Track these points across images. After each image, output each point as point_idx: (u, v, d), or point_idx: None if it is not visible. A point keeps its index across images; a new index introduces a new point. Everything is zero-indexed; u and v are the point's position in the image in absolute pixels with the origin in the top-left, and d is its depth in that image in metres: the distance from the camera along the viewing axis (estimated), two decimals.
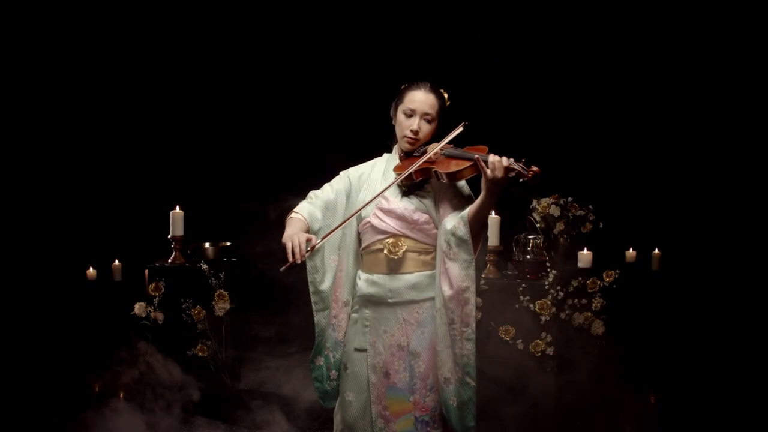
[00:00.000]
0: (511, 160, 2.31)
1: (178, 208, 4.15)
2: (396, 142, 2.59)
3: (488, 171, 2.29)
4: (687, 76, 5.24)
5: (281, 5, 5.54)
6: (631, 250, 4.85)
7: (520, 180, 2.31)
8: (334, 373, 2.57)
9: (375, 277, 2.49)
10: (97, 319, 4.90)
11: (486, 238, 2.46)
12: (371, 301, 2.50)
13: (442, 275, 2.39)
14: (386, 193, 2.48)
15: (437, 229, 2.46)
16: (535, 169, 2.30)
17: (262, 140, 5.60)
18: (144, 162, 5.60)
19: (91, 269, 4.88)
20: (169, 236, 4.19)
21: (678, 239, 5.21)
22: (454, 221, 2.38)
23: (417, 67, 5.41)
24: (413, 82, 2.55)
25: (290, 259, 2.30)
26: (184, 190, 4.88)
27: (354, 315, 2.55)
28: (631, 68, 5.32)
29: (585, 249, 4.16)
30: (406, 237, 2.47)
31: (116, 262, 4.85)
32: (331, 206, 2.54)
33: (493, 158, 2.30)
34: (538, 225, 4.07)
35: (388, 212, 2.47)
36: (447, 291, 2.37)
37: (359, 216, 2.51)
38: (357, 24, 5.48)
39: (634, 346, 4.52)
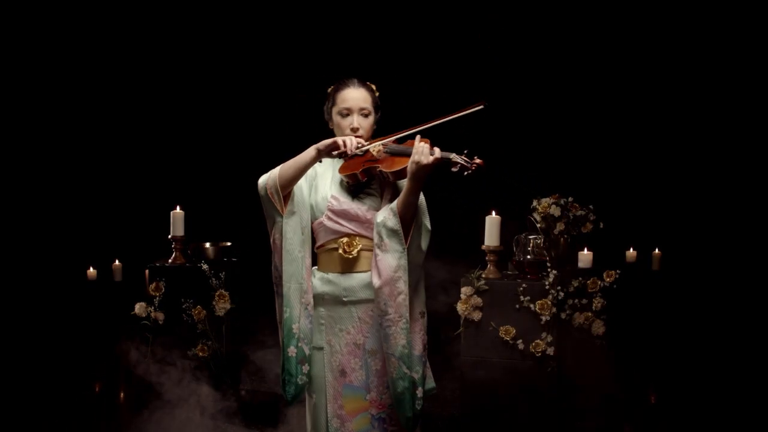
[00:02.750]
0: (454, 154, 2.32)
1: (178, 208, 4.15)
2: None
3: (414, 157, 2.29)
4: (687, 76, 5.24)
5: (281, 6, 5.53)
6: (631, 250, 4.84)
7: (465, 173, 2.31)
8: (306, 367, 2.48)
9: (330, 275, 2.50)
10: (97, 320, 4.90)
11: (429, 231, 2.43)
12: (326, 300, 2.50)
13: (373, 267, 2.38)
14: (336, 194, 2.49)
15: None
16: (478, 161, 2.30)
17: (262, 140, 5.59)
18: (144, 162, 5.60)
19: (91, 269, 4.88)
20: (169, 236, 4.19)
21: (678, 239, 5.20)
22: (384, 213, 2.38)
23: (418, 67, 5.42)
24: (340, 82, 2.55)
25: (342, 148, 2.34)
26: (184, 190, 4.88)
27: (312, 313, 2.53)
28: (632, 68, 5.32)
29: (585, 249, 4.16)
30: (361, 236, 2.48)
31: (116, 262, 4.85)
32: (298, 190, 2.51)
33: (419, 143, 2.31)
34: (538, 225, 4.07)
35: (340, 213, 2.48)
36: (377, 282, 2.35)
37: (313, 215, 2.52)
38: (357, 23, 5.47)
39: (635, 346, 4.52)
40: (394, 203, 2.37)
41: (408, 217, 2.35)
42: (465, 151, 2.33)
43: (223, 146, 5.62)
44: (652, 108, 5.35)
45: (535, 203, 4.14)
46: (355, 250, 2.46)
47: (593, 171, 5.26)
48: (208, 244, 4.29)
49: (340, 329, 2.49)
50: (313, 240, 2.56)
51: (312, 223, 2.54)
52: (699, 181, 5.28)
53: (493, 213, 3.79)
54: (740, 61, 5.11)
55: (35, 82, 5.40)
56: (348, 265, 2.48)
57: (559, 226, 4.08)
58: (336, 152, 2.36)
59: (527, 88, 5.39)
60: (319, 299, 2.52)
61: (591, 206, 4.15)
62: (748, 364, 4.56)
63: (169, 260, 4.18)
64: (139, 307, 4.07)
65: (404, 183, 2.39)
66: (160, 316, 4.08)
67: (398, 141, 2.49)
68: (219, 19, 5.56)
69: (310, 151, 2.41)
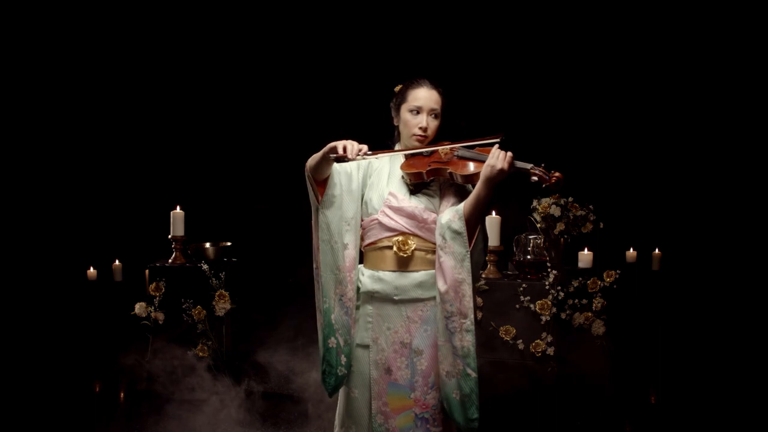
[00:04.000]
0: (531, 165, 2.35)
1: (178, 208, 4.15)
2: (397, 140, 2.60)
3: (491, 161, 2.31)
4: (687, 77, 5.24)
5: (282, 6, 5.53)
6: (631, 250, 4.85)
7: (543, 185, 2.34)
8: (344, 358, 2.50)
9: (381, 273, 2.49)
10: (97, 320, 4.90)
11: (486, 237, 2.47)
12: (376, 298, 2.50)
13: (438, 269, 2.41)
14: (395, 191, 2.49)
15: None
16: (557, 174, 2.33)
17: (262, 140, 5.60)
18: (144, 162, 5.60)
19: (91, 269, 4.88)
20: (169, 236, 4.19)
21: (678, 239, 5.21)
22: (449, 215, 2.40)
23: (417, 66, 5.40)
24: (413, 80, 2.55)
25: (340, 152, 2.29)
26: (184, 190, 4.88)
27: (355, 311, 2.54)
28: (632, 69, 5.32)
29: (585, 249, 4.16)
30: (415, 235, 2.48)
31: (116, 262, 4.85)
32: (347, 176, 2.49)
33: (496, 149, 2.33)
34: (538, 225, 4.07)
35: (398, 210, 2.47)
36: (442, 285, 2.39)
37: (365, 211, 2.52)
38: (358, 23, 5.47)
39: (635, 346, 4.52)
40: (461, 206, 2.38)
41: (473, 221, 2.38)
42: (542, 165, 2.35)
43: (223, 146, 5.62)
44: (651, 108, 5.35)
45: (535, 203, 4.15)
46: (410, 250, 2.46)
47: (593, 171, 5.26)
48: (208, 244, 4.29)
49: (387, 327, 2.49)
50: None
51: (362, 219, 2.53)
52: (699, 181, 5.28)
53: (493, 213, 3.80)
54: (740, 61, 5.11)
55: (36, 83, 5.40)
56: (402, 264, 2.48)
57: (559, 226, 4.08)
58: (333, 156, 2.32)
59: (527, 88, 5.40)
60: (368, 297, 2.51)
61: (591, 206, 4.15)
62: (748, 363, 4.56)
63: (169, 260, 4.18)
64: (139, 307, 4.08)
65: (468, 187, 2.45)
66: (160, 316, 4.08)
67: (408, 156, 2.50)
68: (219, 20, 5.56)
69: (324, 149, 2.37)
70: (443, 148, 2.46)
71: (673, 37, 5.22)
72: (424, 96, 2.49)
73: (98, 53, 5.51)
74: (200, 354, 4.06)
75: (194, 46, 5.57)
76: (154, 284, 4.09)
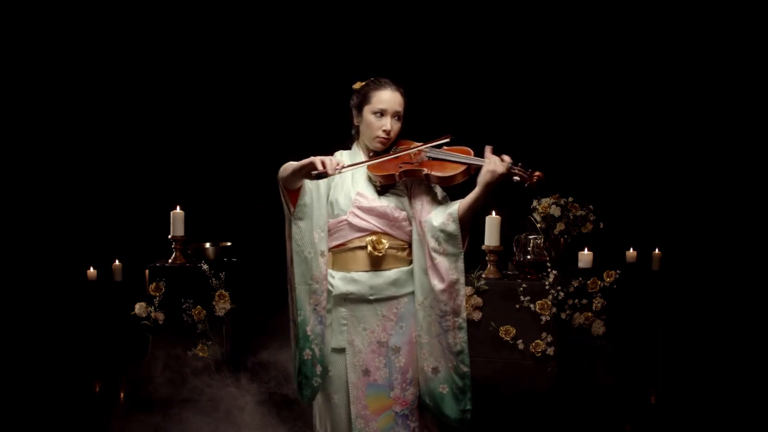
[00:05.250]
0: (511, 161, 2.36)
1: (178, 208, 4.15)
2: (356, 138, 2.59)
3: (490, 167, 2.32)
4: (687, 77, 5.24)
5: (282, 7, 5.53)
6: (631, 250, 4.84)
7: (525, 185, 2.34)
8: (319, 368, 2.48)
9: (354, 275, 2.48)
10: (97, 320, 4.90)
11: (473, 233, 2.50)
12: (350, 300, 2.49)
13: (431, 270, 2.44)
14: (362, 191, 2.49)
15: (411, 225, 2.50)
16: (537, 174, 2.33)
17: (262, 140, 5.60)
18: (144, 162, 5.59)
19: (91, 269, 4.88)
20: (169, 236, 4.19)
21: (678, 239, 5.20)
22: (441, 218, 2.42)
23: (418, 65, 5.41)
24: (376, 81, 2.53)
25: (320, 168, 2.24)
26: (184, 190, 4.88)
27: (327, 315, 2.50)
28: (632, 69, 5.31)
29: (585, 249, 4.16)
30: (387, 234, 2.49)
31: (116, 262, 4.85)
32: (314, 188, 2.47)
33: (491, 155, 2.35)
34: (538, 225, 4.07)
35: (369, 211, 2.47)
36: (438, 285, 2.42)
37: (331, 213, 2.49)
38: (359, 23, 5.47)
39: (635, 346, 4.52)
40: (454, 209, 2.41)
41: (467, 223, 2.42)
42: (519, 164, 2.36)
43: (223, 146, 5.62)
44: (651, 108, 5.35)
45: (535, 203, 4.15)
46: (384, 248, 2.46)
47: (593, 171, 5.26)
48: (208, 244, 4.29)
49: (363, 328, 2.49)
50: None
51: (330, 221, 2.50)
52: (699, 182, 5.28)
53: (493, 213, 3.79)
54: (740, 61, 5.11)
55: (35, 83, 5.40)
56: (375, 264, 2.48)
57: (559, 226, 4.08)
58: (315, 173, 2.24)
59: (527, 88, 5.39)
60: (341, 299, 2.50)
61: (591, 206, 4.15)
62: (748, 363, 4.56)
63: (169, 260, 4.18)
64: (139, 307, 4.07)
65: (437, 188, 2.50)
66: (160, 316, 4.08)
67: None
68: (219, 20, 5.56)
69: (302, 162, 2.30)
70: (412, 150, 2.47)
71: (673, 37, 5.21)
72: (389, 98, 2.48)
73: (98, 53, 5.51)
74: (200, 354, 4.06)
75: (194, 46, 5.57)
76: (154, 284, 4.09)
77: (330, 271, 2.51)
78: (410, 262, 2.52)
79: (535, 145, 5.22)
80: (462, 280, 2.43)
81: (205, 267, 4.10)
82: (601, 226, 4.14)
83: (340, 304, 2.51)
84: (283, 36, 5.60)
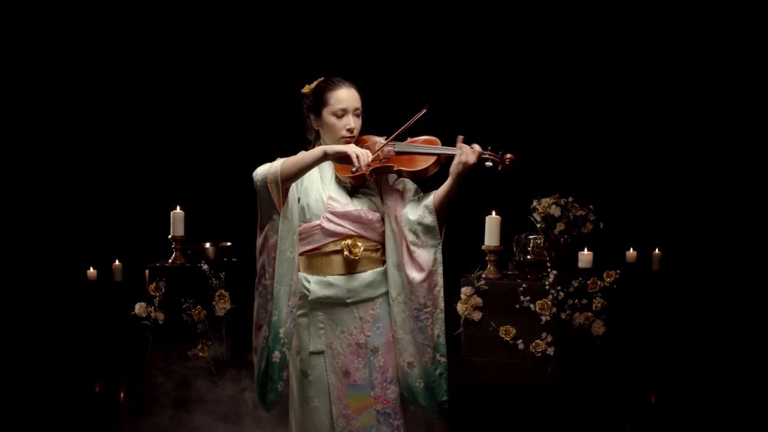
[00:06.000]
0: (481, 149, 2.35)
1: (178, 208, 4.15)
2: (315, 144, 2.57)
3: (462, 157, 2.31)
4: (687, 77, 5.24)
5: (281, 7, 5.53)
6: (631, 250, 4.84)
7: (499, 168, 2.32)
8: (286, 373, 2.50)
9: (330, 278, 2.48)
10: (97, 320, 4.90)
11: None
12: (326, 303, 2.50)
13: (409, 263, 2.44)
14: (334, 195, 2.48)
15: (384, 225, 2.51)
16: (509, 156, 2.31)
17: (262, 140, 5.59)
18: (144, 162, 5.60)
19: (91, 269, 4.88)
20: (169, 236, 4.18)
21: (678, 239, 5.20)
22: (418, 211, 2.42)
23: (418, 65, 5.42)
24: (327, 81, 2.52)
25: (356, 164, 2.26)
26: (184, 190, 4.88)
27: (302, 319, 2.51)
28: (631, 69, 5.31)
29: (585, 249, 4.16)
30: (361, 237, 2.48)
31: (116, 262, 4.85)
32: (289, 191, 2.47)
33: (462, 144, 2.34)
34: (538, 225, 4.07)
35: (343, 216, 2.46)
36: (417, 277, 2.42)
37: (302, 217, 2.48)
38: (359, 23, 5.47)
39: (635, 346, 4.52)
40: (429, 201, 2.41)
41: (444, 214, 2.42)
42: (489, 147, 2.34)
43: (223, 146, 5.61)
44: (651, 108, 5.35)
45: (535, 203, 4.14)
46: (360, 251, 2.46)
47: (593, 171, 5.26)
48: (208, 244, 4.29)
49: (341, 331, 2.50)
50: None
51: (300, 225, 2.49)
52: (699, 182, 5.28)
53: (493, 213, 3.79)
54: (740, 61, 5.11)
55: (35, 83, 5.40)
56: (351, 267, 2.49)
57: (559, 226, 4.08)
58: (354, 169, 2.29)
59: (527, 88, 5.39)
60: (318, 303, 2.51)
61: (591, 206, 4.15)
62: (748, 363, 4.56)
63: (169, 260, 4.18)
64: (139, 307, 4.07)
65: (408, 181, 2.47)
66: (160, 316, 4.08)
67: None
68: (218, 20, 5.56)
69: (317, 153, 2.33)
70: (379, 145, 2.43)
71: (672, 37, 5.21)
72: (347, 96, 2.46)
73: (98, 53, 5.51)
74: (200, 354, 4.06)
75: (194, 46, 5.57)
76: (154, 284, 4.08)
77: (304, 275, 2.51)
78: (383, 263, 2.53)
79: (535, 145, 5.22)
80: (440, 271, 2.44)
81: (205, 267, 4.10)
82: (601, 226, 4.14)
83: (316, 308, 2.51)
84: (283, 36, 5.60)
